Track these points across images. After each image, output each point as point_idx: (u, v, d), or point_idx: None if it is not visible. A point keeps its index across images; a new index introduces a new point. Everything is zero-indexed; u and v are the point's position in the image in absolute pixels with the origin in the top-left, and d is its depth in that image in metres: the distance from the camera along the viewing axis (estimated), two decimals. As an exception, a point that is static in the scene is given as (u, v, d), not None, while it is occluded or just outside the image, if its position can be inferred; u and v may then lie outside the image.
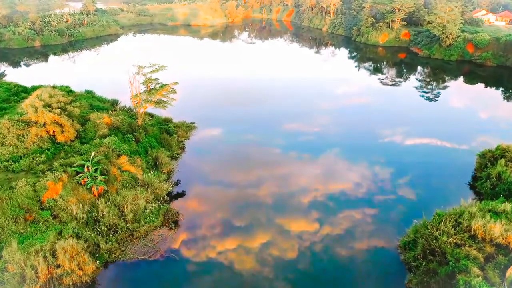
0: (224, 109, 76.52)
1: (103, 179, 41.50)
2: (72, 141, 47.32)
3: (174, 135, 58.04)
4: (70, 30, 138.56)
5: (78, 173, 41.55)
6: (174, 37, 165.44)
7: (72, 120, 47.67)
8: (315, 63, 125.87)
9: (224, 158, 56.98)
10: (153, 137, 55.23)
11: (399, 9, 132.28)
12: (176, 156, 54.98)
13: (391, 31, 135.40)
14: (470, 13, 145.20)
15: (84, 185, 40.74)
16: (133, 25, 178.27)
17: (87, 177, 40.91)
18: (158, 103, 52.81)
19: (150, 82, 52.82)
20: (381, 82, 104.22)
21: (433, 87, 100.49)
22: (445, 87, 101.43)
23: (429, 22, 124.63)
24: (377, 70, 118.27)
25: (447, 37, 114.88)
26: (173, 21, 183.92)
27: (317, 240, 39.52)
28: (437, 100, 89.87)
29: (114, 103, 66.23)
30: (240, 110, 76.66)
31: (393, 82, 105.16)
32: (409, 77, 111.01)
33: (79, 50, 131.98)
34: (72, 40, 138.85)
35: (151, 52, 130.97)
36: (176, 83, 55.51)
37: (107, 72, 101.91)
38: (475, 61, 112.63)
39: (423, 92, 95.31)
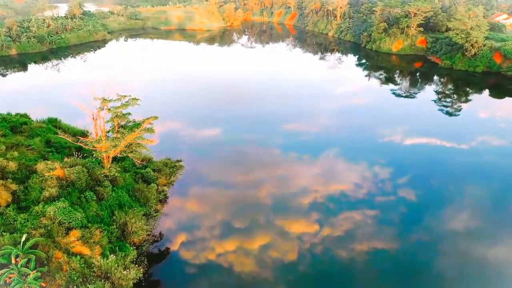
0: (222, 111, 76.22)
1: (40, 274, 28.65)
2: (8, 205, 34.45)
3: (153, 183, 45.06)
4: (51, 36, 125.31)
5: (3, 265, 28.79)
6: (168, 43, 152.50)
7: (6, 178, 34.78)
8: (319, 70, 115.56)
9: (223, 158, 56.47)
10: (125, 188, 42.32)
11: (415, 14, 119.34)
12: (154, 214, 42.05)
13: (405, 38, 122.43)
14: (491, 17, 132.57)
15: (9, 285, 27.90)
16: (124, 30, 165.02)
17: (15, 273, 28.07)
18: (130, 146, 39.83)
19: (119, 118, 39.90)
20: (393, 93, 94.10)
21: (454, 100, 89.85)
22: (467, 100, 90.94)
23: (447, 29, 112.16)
24: (389, 80, 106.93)
25: (471, 45, 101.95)
26: (166, 25, 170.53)
27: (318, 241, 39.01)
28: (458, 114, 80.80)
29: (83, 134, 53.78)
30: (238, 112, 76.52)
31: (407, 93, 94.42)
32: (426, 89, 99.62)
33: (62, 59, 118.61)
34: (54, 48, 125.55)
35: (142, 60, 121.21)
36: (155, 117, 42.59)
37: (85, 87, 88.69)
38: (504, 73, 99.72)
39: (442, 106, 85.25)
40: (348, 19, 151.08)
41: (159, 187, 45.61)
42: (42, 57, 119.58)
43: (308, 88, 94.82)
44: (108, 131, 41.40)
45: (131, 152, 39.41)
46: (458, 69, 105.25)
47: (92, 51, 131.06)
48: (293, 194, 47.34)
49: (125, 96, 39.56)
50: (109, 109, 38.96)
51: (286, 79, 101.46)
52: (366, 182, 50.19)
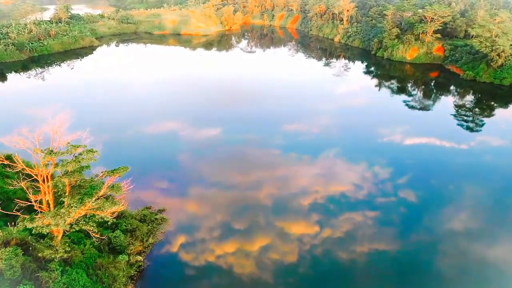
0: (221, 112, 76.65)
1: None
2: None
3: (123, 254, 34.08)
4: (32, 43, 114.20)
5: None
6: (162, 48, 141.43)
7: None
8: (323, 77, 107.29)
9: (223, 159, 56.40)
10: (83, 265, 31.40)
11: (432, 19, 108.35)
12: (121, 303, 31.22)
13: (421, 45, 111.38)
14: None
15: None
16: (114, 35, 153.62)
17: None
18: (85, 217, 28.86)
19: (69, 177, 28.89)
20: (407, 105, 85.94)
21: (475, 114, 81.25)
22: (490, 115, 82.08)
23: (466, 35, 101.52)
24: (402, 90, 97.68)
25: (498, 55, 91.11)
26: (160, 29, 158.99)
27: (318, 243, 38.71)
28: (480, 130, 72.97)
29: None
30: (237, 113, 76.51)
31: (422, 105, 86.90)
32: (445, 101, 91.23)
33: (43, 68, 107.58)
34: (35, 56, 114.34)
35: (135, 66, 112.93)
36: (125, 169, 31.71)
37: (65, 107, 78.31)
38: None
39: (461, 120, 77.17)
40: (355, 23, 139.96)
41: (131, 257, 34.62)
42: (22, 66, 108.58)
43: (310, 93, 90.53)
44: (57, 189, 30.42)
45: (88, 223, 28.43)
46: (482, 81, 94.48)
47: (78, 58, 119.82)
48: (293, 195, 47.20)
49: (78, 146, 28.55)
50: (56, 165, 28.01)
51: (286, 84, 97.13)
52: (366, 183, 50.05)
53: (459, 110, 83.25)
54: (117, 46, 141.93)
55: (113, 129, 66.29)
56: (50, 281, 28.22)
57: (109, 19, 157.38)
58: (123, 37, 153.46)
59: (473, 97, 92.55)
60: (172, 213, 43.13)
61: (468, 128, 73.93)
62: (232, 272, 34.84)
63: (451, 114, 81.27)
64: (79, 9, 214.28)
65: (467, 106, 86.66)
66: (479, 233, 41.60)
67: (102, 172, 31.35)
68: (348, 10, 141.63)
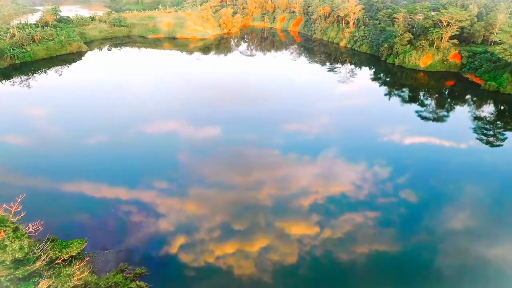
0: (221, 110, 77.11)
1: None
2: None
3: None
4: (13, 49, 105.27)
5: None
6: (156, 52, 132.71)
7: None
8: (328, 84, 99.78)
9: (223, 159, 56.16)
10: None
11: (448, 23, 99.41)
12: None
13: (436, 52, 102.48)
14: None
15: None
16: (106, 38, 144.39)
17: None
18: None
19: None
20: (419, 115, 79.77)
21: (496, 128, 74.95)
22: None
23: (484, 40, 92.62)
24: (415, 100, 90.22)
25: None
26: (155, 33, 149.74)
27: (318, 244, 38.53)
28: (501, 145, 67.84)
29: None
30: (237, 114, 75.73)
31: (436, 116, 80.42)
32: (462, 112, 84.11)
33: (25, 76, 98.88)
34: (16, 63, 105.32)
35: (129, 73, 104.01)
36: (81, 242, 23.00)
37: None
38: None
39: (481, 134, 71.42)
40: (362, 26, 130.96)
41: None
42: (3, 74, 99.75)
43: (312, 98, 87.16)
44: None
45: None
46: (507, 93, 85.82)
47: (64, 65, 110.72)
48: (293, 195, 47.14)
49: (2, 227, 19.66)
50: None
51: (286, 86, 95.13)
52: (367, 183, 49.95)
53: (478, 122, 76.90)
54: (109, 50, 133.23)
55: (110, 130, 66.72)
56: None
57: (101, 22, 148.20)
58: (115, 41, 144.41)
59: (495, 109, 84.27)
60: (172, 213, 43.18)
61: (487, 142, 68.26)
62: (232, 273, 34.71)
63: (471, 128, 74.29)
64: (74, 11, 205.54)
65: (488, 119, 79.01)
66: (480, 232, 41.52)
67: (45, 252, 22.47)
68: (354, 13, 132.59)
